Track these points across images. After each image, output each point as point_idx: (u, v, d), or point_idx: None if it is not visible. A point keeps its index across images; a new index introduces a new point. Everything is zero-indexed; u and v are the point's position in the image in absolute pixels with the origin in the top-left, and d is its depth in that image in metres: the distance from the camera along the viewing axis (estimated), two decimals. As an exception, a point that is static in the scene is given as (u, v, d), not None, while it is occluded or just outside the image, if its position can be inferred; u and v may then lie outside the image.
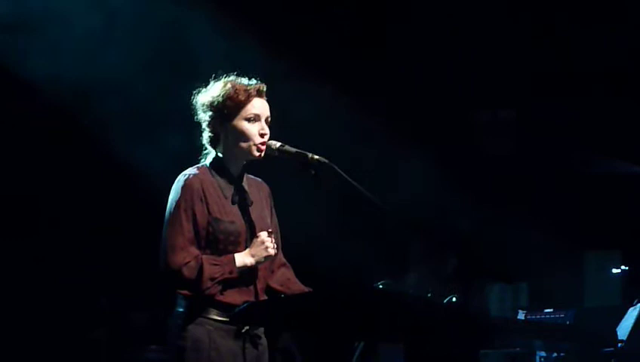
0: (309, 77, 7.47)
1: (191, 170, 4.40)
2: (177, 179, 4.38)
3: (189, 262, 4.24)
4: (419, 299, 4.19)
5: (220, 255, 4.30)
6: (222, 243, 4.32)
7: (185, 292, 4.27)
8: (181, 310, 4.31)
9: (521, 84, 8.54)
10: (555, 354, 6.12)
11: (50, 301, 7.38)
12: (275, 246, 4.39)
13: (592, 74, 8.28)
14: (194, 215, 4.30)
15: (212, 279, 4.25)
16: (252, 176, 4.53)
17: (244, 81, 4.44)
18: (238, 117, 4.39)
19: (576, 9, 8.06)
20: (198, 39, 7.22)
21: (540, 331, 4.96)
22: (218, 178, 4.40)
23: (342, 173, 4.28)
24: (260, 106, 4.41)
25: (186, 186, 4.33)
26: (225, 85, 4.42)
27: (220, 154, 4.44)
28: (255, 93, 4.42)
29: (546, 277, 8.39)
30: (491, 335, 4.62)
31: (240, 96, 4.39)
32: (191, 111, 4.49)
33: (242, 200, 4.42)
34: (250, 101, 4.40)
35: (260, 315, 4.13)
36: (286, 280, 4.54)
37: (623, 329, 5.77)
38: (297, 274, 4.59)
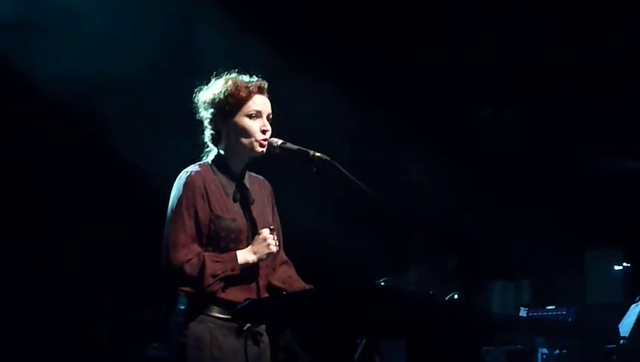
0: (310, 74, 7.47)
1: (193, 167, 4.40)
2: (179, 177, 4.38)
3: (191, 259, 4.24)
4: (420, 296, 4.19)
5: (221, 252, 4.30)
6: (223, 241, 4.32)
7: (187, 289, 4.26)
8: (183, 307, 4.31)
9: (523, 82, 8.53)
10: (557, 351, 6.12)
11: (54, 299, 7.38)
12: (277, 243, 4.39)
13: (591, 73, 8.27)
14: (196, 212, 4.30)
15: (214, 276, 4.24)
16: (254, 174, 4.53)
17: (246, 78, 4.44)
18: (240, 113, 4.38)
19: (577, 9, 8.06)
20: (200, 37, 7.22)
21: (542, 328, 4.94)
22: (220, 175, 4.40)
23: (343, 170, 4.28)
24: (261, 103, 4.41)
25: (188, 183, 4.33)
26: (226, 82, 4.42)
27: (221, 152, 4.44)
28: (256, 89, 4.41)
29: (548, 274, 8.38)
30: (493, 332, 4.62)
31: (241, 93, 4.38)
32: (193, 109, 4.50)
33: (244, 198, 4.42)
34: (251, 98, 4.39)
35: (262, 313, 4.14)
36: (287, 277, 4.54)
37: (625, 326, 5.76)
38: (298, 272, 4.60)
